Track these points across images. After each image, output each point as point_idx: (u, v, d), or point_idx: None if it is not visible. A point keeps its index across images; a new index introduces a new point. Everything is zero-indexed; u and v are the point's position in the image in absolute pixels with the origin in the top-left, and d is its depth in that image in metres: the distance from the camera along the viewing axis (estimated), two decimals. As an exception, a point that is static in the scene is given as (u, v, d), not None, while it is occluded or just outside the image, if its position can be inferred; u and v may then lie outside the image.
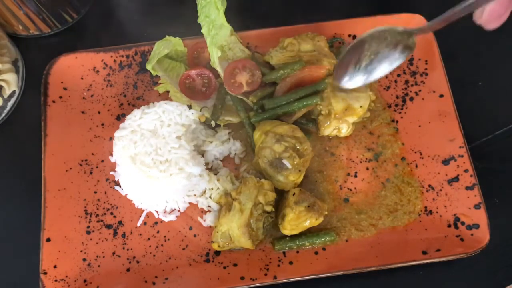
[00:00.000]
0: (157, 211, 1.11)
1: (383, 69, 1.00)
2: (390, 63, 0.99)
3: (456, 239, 1.06)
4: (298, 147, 1.06)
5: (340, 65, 1.05)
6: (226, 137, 1.17)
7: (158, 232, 1.10)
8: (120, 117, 1.20)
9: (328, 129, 1.13)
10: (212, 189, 1.12)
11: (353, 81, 1.04)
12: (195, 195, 1.12)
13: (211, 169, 1.16)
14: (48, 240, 1.05)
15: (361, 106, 1.11)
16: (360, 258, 1.04)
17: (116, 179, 1.14)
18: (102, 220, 1.10)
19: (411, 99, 1.22)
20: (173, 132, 1.10)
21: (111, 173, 1.14)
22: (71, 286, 1.03)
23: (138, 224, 1.10)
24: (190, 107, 1.16)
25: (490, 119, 1.23)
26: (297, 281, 1.02)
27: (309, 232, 1.06)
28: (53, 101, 1.18)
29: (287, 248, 1.06)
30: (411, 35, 0.94)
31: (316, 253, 1.06)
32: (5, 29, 1.25)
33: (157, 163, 1.06)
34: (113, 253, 1.07)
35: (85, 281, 1.04)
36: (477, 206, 1.07)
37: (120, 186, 1.13)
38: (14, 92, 1.22)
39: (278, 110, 1.13)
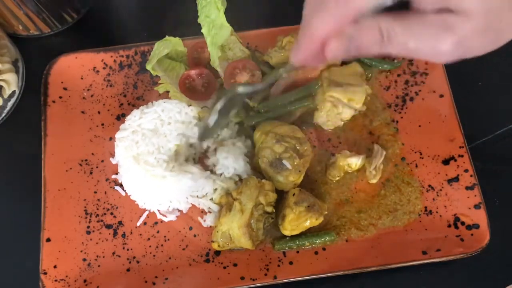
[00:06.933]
0: (159, 211, 1.10)
1: None
2: None
3: (456, 239, 1.06)
4: (298, 147, 1.06)
5: None
6: (226, 137, 1.17)
7: (158, 232, 1.09)
8: (120, 117, 1.20)
9: (322, 112, 1.13)
10: (216, 189, 1.11)
11: None
12: (197, 196, 1.11)
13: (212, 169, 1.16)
14: (48, 240, 1.05)
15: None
16: (360, 258, 1.04)
17: (120, 181, 1.13)
18: (102, 220, 1.10)
19: (411, 99, 1.22)
20: (174, 130, 1.10)
21: (114, 176, 1.14)
22: (71, 286, 1.03)
23: (138, 224, 1.10)
24: (190, 107, 1.16)
25: (490, 119, 1.23)
26: (297, 281, 1.02)
27: (309, 232, 1.06)
28: (53, 101, 1.18)
29: (287, 248, 1.06)
30: None
31: (316, 253, 1.06)
32: (5, 29, 1.25)
33: (161, 161, 1.06)
34: (113, 253, 1.07)
35: (85, 281, 1.04)
36: (477, 206, 1.07)
37: (121, 187, 1.13)
38: (14, 92, 1.22)
39: (270, 113, 1.14)
